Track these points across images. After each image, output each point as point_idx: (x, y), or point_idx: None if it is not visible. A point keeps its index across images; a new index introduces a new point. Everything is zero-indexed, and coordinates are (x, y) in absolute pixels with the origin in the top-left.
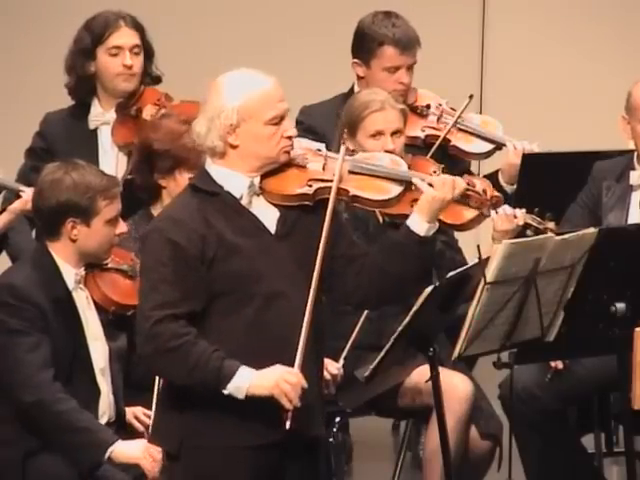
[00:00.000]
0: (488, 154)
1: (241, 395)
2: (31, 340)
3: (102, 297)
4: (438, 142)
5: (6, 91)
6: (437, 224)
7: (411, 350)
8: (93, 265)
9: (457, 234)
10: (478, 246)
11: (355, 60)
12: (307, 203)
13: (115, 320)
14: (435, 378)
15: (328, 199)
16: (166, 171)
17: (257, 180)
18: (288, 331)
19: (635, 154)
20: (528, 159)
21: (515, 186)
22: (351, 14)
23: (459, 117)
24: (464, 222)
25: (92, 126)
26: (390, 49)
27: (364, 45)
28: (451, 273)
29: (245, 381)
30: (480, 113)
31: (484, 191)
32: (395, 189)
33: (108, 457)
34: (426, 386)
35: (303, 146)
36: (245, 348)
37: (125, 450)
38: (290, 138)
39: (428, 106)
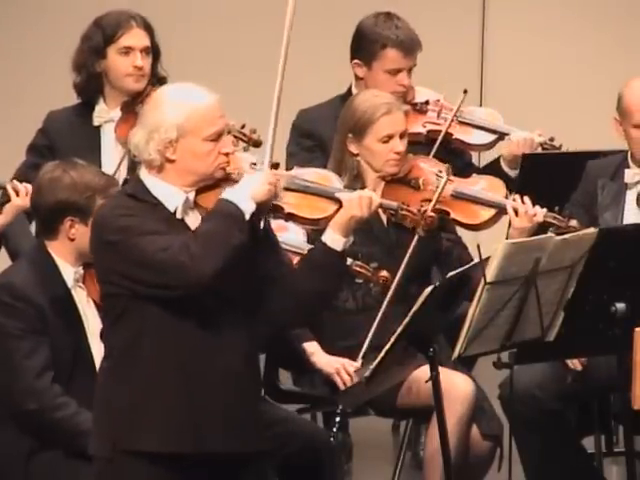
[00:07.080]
0: (491, 145)
1: (252, 207)
2: (28, 345)
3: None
4: (440, 136)
5: (8, 91)
6: (352, 238)
7: (411, 350)
8: (90, 264)
9: (457, 234)
10: (478, 246)
11: (356, 61)
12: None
13: None
14: (435, 378)
15: None
16: None
17: (192, 195)
18: None
19: (629, 153)
20: (526, 159)
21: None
22: (349, 14)
23: (458, 110)
24: (480, 222)
25: (96, 123)
26: (393, 51)
27: (366, 46)
28: (451, 273)
29: (245, 193)
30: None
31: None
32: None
33: None
34: (426, 386)
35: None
36: None
37: None
38: (227, 155)
39: (427, 102)
